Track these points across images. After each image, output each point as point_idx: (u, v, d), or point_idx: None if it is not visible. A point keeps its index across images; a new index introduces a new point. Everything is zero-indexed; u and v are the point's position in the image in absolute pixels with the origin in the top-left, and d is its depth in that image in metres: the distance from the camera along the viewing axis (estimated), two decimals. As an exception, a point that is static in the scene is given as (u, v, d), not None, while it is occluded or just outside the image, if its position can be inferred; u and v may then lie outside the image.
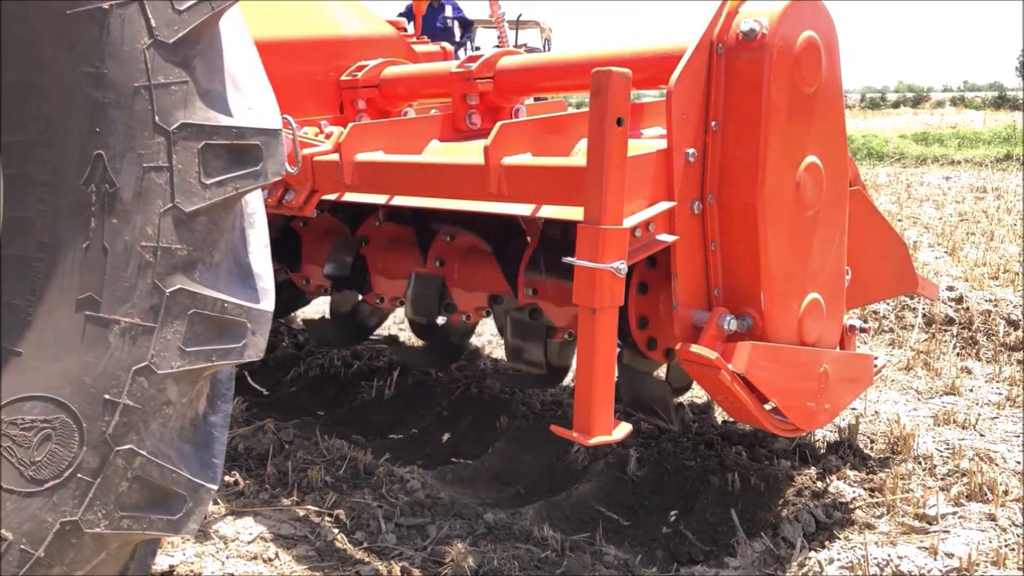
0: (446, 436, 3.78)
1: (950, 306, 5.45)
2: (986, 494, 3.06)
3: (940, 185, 13.23)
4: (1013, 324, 5.16)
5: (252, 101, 1.80)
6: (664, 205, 2.29)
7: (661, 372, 3.60)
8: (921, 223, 9.19)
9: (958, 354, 4.97)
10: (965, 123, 26.73)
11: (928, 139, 21.06)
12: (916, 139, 21.11)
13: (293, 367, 4.57)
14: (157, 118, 1.61)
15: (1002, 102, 45.35)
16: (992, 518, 2.91)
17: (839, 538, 2.82)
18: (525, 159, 2.44)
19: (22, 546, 1.59)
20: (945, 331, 5.25)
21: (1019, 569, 2.63)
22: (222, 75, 1.74)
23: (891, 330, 5.36)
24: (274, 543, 2.79)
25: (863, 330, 2.90)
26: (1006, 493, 3.07)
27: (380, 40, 3.75)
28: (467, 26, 13.94)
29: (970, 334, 5.17)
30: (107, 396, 1.63)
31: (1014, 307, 5.34)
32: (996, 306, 5.37)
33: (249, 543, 2.78)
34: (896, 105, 51.93)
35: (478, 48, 14.45)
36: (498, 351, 5.05)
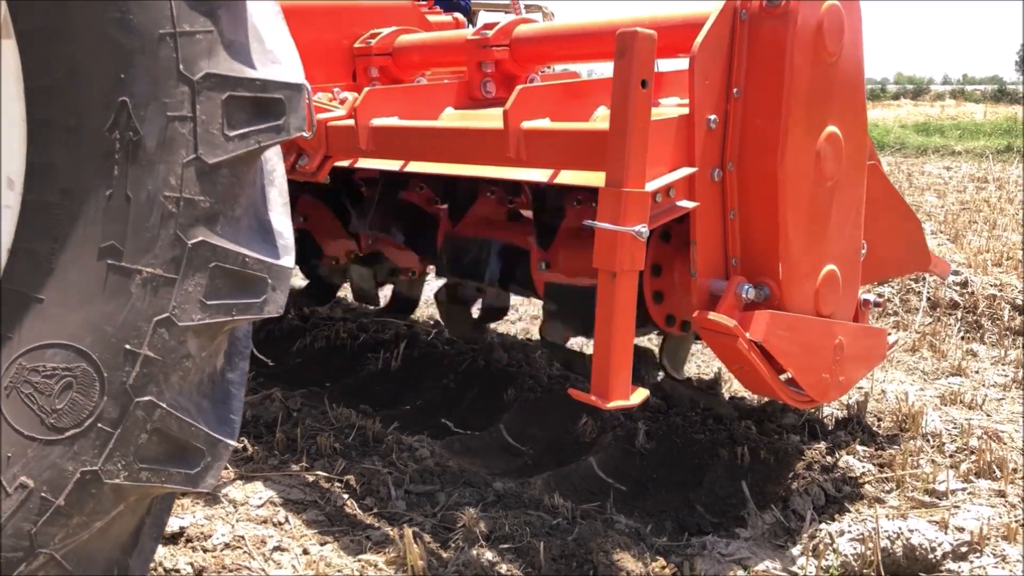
0: (453, 408, 3.77)
1: (955, 290, 5.45)
2: (995, 472, 3.07)
3: (941, 175, 13.21)
4: (1018, 309, 5.17)
5: (276, 55, 1.78)
6: (685, 171, 2.27)
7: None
8: (923, 211, 9.18)
9: (963, 337, 4.97)
10: (965, 115, 26.71)
11: (929, 129, 21.03)
12: (917, 129, 21.08)
13: (299, 339, 4.55)
14: (182, 67, 1.60)
15: (1002, 95, 45.35)
16: (1002, 494, 2.91)
17: (849, 511, 2.82)
18: (545, 123, 2.42)
19: (43, 494, 1.59)
20: (950, 315, 5.25)
21: (1029, 544, 2.63)
22: (246, 28, 1.72)
23: (896, 313, 5.36)
24: (284, 507, 2.78)
25: (877, 304, 2.89)
26: (1015, 471, 3.07)
27: (393, 8, 3.73)
28: (470, 20, 13.72)
29: (975, 318, 5.17)
30: (128, 346, 1.61)
31: (1019, 292, 5.34)
32: (1001, 291, 5.37)
33: (259, 507, 2.78)
34: (896, 97, 51.88)
35: (482, 28, 14.27)
36: (504, 326, 5.04)
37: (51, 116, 1.57)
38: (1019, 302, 5.22)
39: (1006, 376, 4.26)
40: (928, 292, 5.44)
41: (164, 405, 1.66)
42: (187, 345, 1.68)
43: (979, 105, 34.58)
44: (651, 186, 2.15)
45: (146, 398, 1.64)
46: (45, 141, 1.58)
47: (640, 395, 2.17)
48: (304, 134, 2.81)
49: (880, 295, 5.51)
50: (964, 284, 5.51)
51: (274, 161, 1.92)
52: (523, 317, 5.36)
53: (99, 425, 1.62)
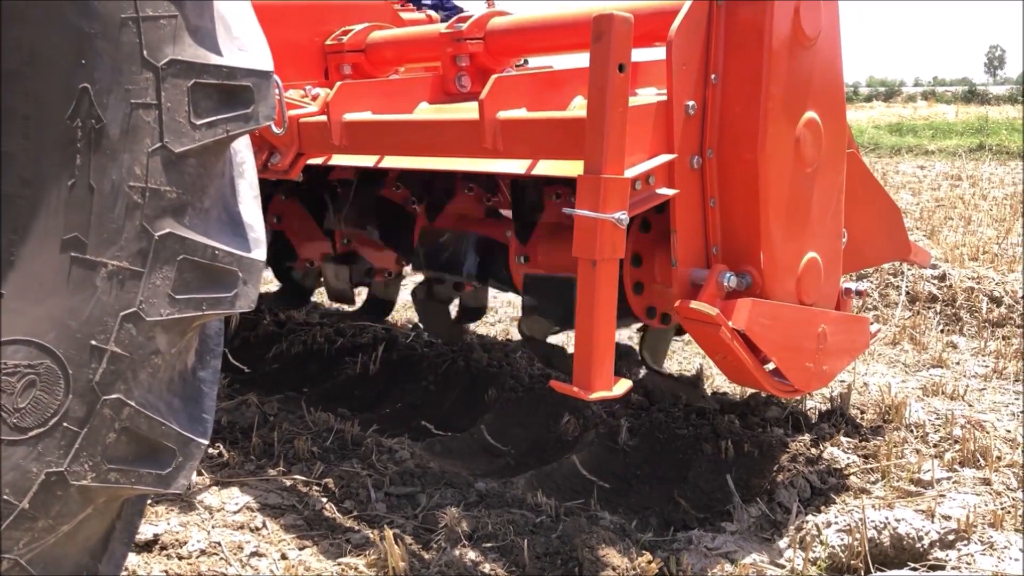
0: (434, 410, 3.72)
1: (933, 284, 5.46)
2: (979, 460, 3.05)
3: (915, 174, 13.31)
4: (996, 301, 5.18)
5: (243, 42, 1.73)
6: (664, 158, 2.24)
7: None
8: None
9: (942, 330, 4.97)
10: (937, 116, 26.96)
11: (902, 130, 21.19)
12: (890, 130, 21.24)
13: (275, 344, 4.48)
14: (145, 52, 1.54)
15: (972, 96, 45.90)
16: (987, 482, 2.90)
17: (835, 502, 2.79)
18: (521, 113, 2.38)
19: (6, 496, 1.52)
20: (929, 308, 5.26)
21: (1016, 531, 2.61)
22: (212, 13, 1.67)
23: (875, 307, 5.36)
24: (261, 512, 2.72)
25: (859, 293, 2.87)
26: (999, 459, 3.06)
27: (365, 6, 3.68)
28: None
29: (953, 311, 5.18)
30: (94, 342, 1.55)
31: (996, 284, 5.36)
32: (979, 283, 5.39)
33: (235, 513, 2.71)
34: (868, 99, 52.44)
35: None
36: (483, 328, 5.00)
37: (9, 103, 1.51)
38: (997, 294, 5.23)
39: (986, 367, 4.27)
40: (907, 286, 5.45)
41: (133, 403, 1.60)
42: (156, 341, 1.62)
43: (950, 106, 34.97)
44: (630, 173, 2.11)
45: (114, 396, 1.58)
46: (3, 129, 1.52)
47: (623, 386, 2.13)
48: (275, 129, 2.79)
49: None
50: (942, 278, 5.52)
51: (244, 153, 1.87)
52: (503, 319, 5.32)
53: (64, 424, 1.55)
